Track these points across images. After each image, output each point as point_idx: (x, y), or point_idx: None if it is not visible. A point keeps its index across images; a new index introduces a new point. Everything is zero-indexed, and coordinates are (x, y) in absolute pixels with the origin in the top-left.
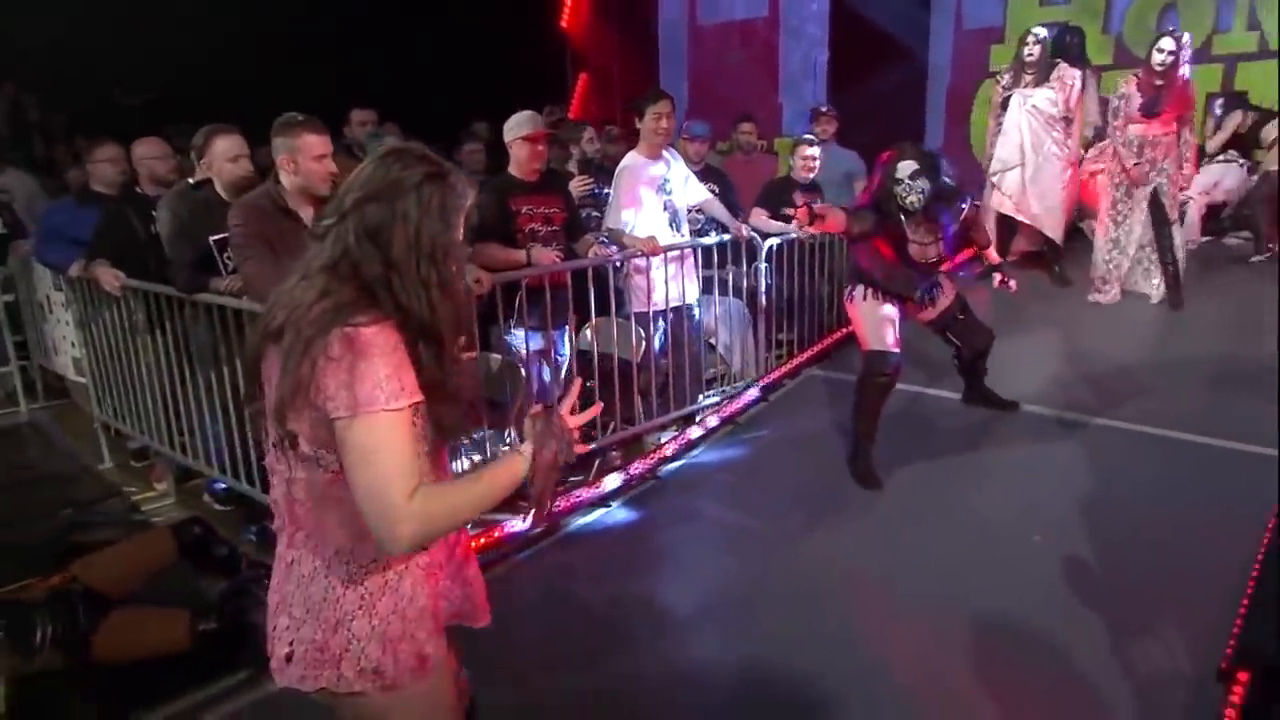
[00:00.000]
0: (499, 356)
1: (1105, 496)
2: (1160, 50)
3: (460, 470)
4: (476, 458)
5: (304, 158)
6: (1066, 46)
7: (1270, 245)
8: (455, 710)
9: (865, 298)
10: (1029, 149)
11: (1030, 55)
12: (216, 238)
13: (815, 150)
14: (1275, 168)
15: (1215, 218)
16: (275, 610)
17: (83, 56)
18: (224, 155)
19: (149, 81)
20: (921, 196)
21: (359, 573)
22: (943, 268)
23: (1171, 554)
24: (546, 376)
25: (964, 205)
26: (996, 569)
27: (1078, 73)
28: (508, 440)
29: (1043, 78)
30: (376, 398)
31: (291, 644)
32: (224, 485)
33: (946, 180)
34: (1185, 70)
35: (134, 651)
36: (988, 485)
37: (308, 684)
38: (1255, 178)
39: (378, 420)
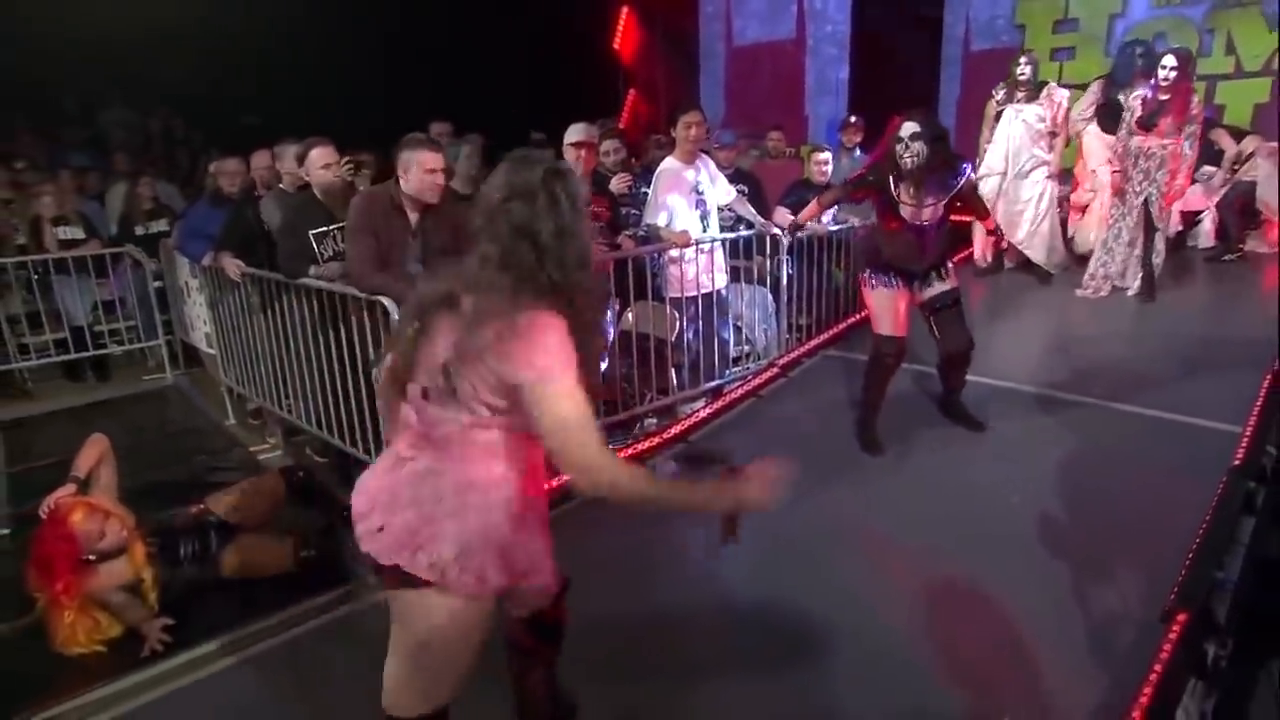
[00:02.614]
0: None
1: (1077, 464)
2: (1164, 67)
3: None
4: None
5: (416, 170)
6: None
7: (1240, 246)
8: (481, 645)
9: (875, 285)
10: (1010, 158)
11: (1023, 74)
12: (315, 231)
13: (827, 155)
14: (1247, 178)
15: (1191, 224)
16: (376, 493)
17: (216, 88)
18: (318, 163)
19: (266, 105)
20: (917, 159)
21: (467, 492)
22: (938, 229)
23: (1131, 514)
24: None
25: (960, 175)
26: (980, 526)
27: (1066, 92)
28: None
29: (1034, 95)
30: (554, 367)
31: (386, 523)
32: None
33: (944, 146)
34: (1190, 86)
35: (252, 570)
36: (977, 454)
37: (384, 557)
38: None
39: (561, 385)
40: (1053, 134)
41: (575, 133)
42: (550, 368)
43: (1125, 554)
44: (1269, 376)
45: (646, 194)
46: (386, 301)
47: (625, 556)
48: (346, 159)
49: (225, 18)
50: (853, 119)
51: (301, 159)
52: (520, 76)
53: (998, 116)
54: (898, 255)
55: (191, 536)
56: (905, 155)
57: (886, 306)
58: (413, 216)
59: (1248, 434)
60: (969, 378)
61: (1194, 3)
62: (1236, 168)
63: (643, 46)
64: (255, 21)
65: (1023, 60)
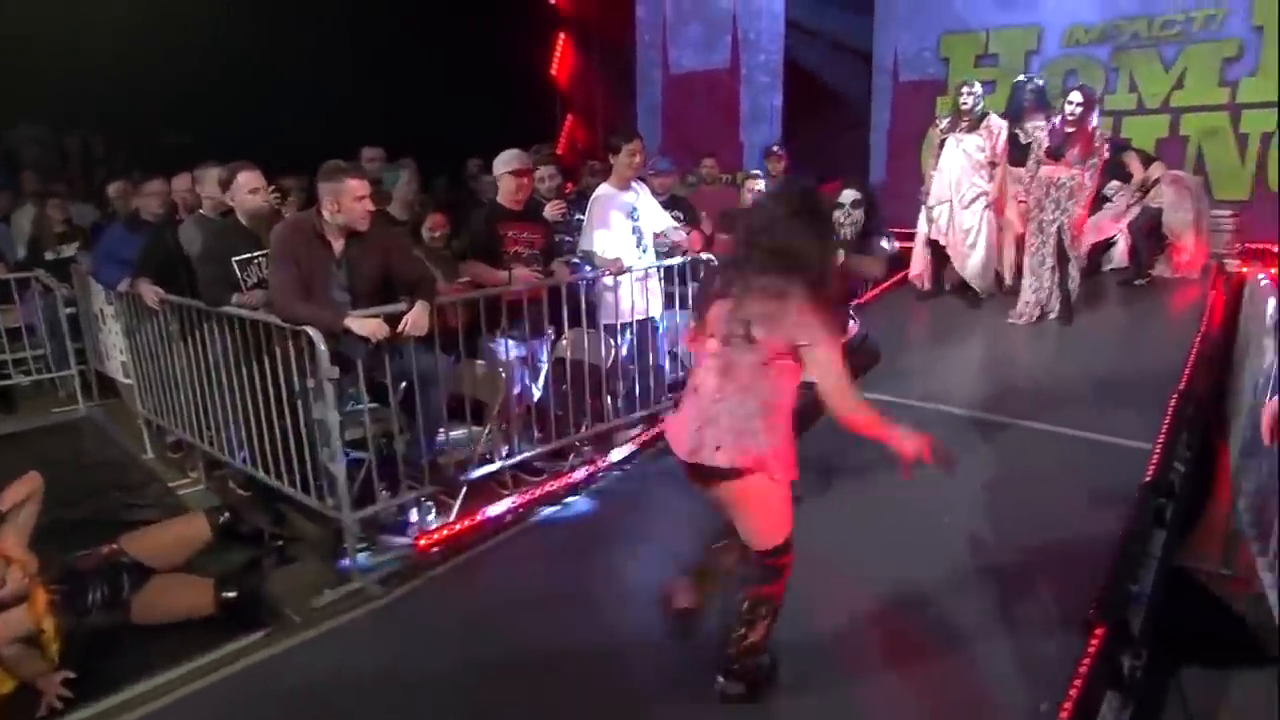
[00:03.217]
0: (483, 363)
1: (1005, 483)
2: (1071, 102)
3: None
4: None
5: (347, 199)
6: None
7: (1149, 271)
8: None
9: None
10: (952, 187)
11: (965, 104)
12: (239, 258)
13: (763, 183)
14: (1154, 205)
15: (1105, 248)
16: (701, 425)
17: (139, 105)
18: (245, 187)
19: (191, 125)
20: (855, 226)
21: (767, 412)
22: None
23: (1054, 530)
24: (527, 381)
25: (883, 247)
26: (913, 546)
27: (1004, 123)
28: (488, 437)
29: (975, 125)
30: (830, 337)
31: (720, 443)
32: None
33: (876, 221)
34: (1094, 120)
35: (168, 615)
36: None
37: (722, 460)
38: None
39: (833, 347)
40: (992, 164)
41: (511, 160)
42: (828, 337)
43: (1048, 569)
44: (1175, 396)
45: (581, 220)
46: (311, 332)
47: (561, 587)
48: (272, 187)
49: (151, 32)
50: (776, 148)
51: (226, 183)
52: (455, 101)
53: (941, 145)
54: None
55: (101, 580)
56: (845, 222)
57: None
58: (337, 245)
59: (1157, 451)
60: (901, 401)
61: (1100, 43)
62: (1140, 193)
63: (580, 73)
64: (182, 38)
65: (965, 91)
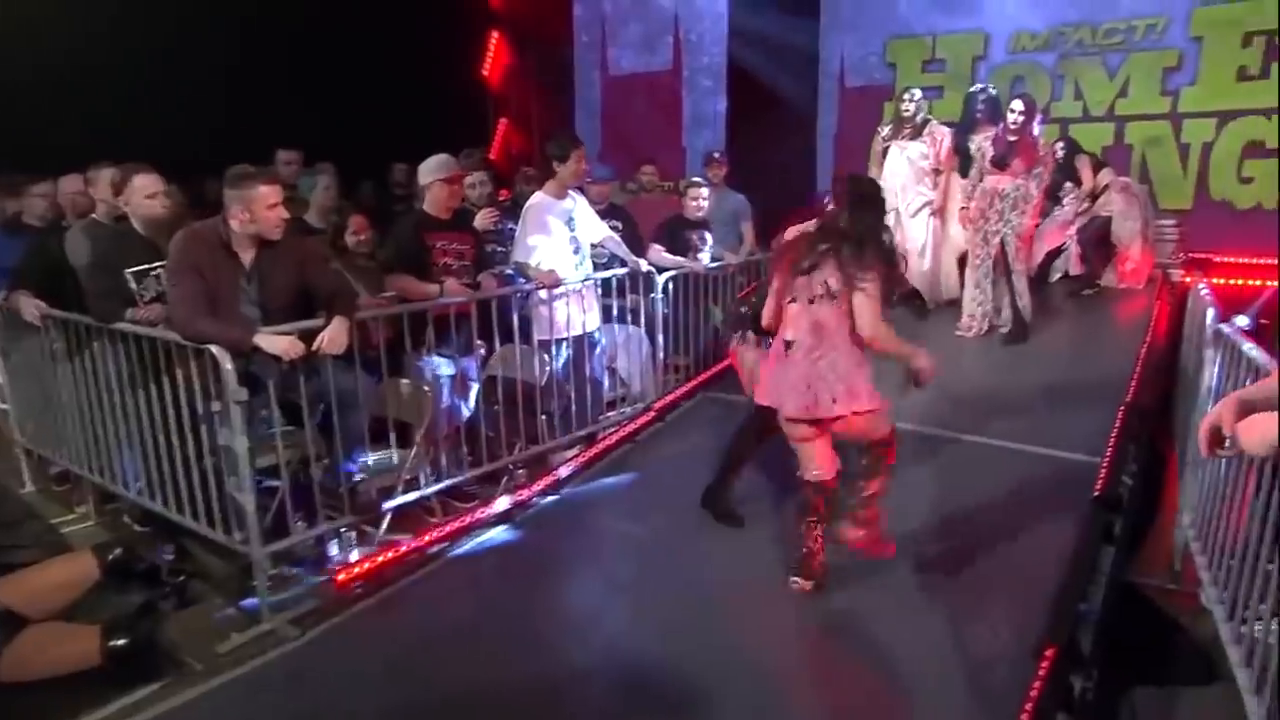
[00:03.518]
0: (408, 382)
1: (952, 501)
2: (1013, 110)
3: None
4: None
5: (259, 207)
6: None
7: (1097, 280)
8: None
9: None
10: (898, 195)
11: (907, 111)
12: (133, 269)
13: (705, 191)
14: (1103, 213)
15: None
16: (812, 382)
17: (20, 94)
18: (142, 192)
19: (81, 121)
20: None
21: (860, 356)
22: None
23: (1003, 548)
24: (456, 400)
25: None
26: (861, 569)
27: (948, 130)
28: (414, 461)
29: (918, 132)
30: (875, 283)
31: (835, 396)
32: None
33: None
34: (1036, 129)
35: (44, 669)
36: None
37: (841, 409)
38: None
39: (876, 290)
40: (936, 171)
41: (440, 166)
42: (875, 285)
43: (998, 589)
44: (1122, 408)
45: (514, 230)
46: (216, 350)
47: (493, 621)
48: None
49: (37, 16)
50: (716, 154)
51: (120, 187)
52: (380, 102)
53: (884, 154)
54: None
55: None
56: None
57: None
58: (246, 256)
59: (1105, 465)
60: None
61: (1046, 50)
62: (1089, 200)
63: (514, 73)
64: (74, 23)
65: (906, 98)
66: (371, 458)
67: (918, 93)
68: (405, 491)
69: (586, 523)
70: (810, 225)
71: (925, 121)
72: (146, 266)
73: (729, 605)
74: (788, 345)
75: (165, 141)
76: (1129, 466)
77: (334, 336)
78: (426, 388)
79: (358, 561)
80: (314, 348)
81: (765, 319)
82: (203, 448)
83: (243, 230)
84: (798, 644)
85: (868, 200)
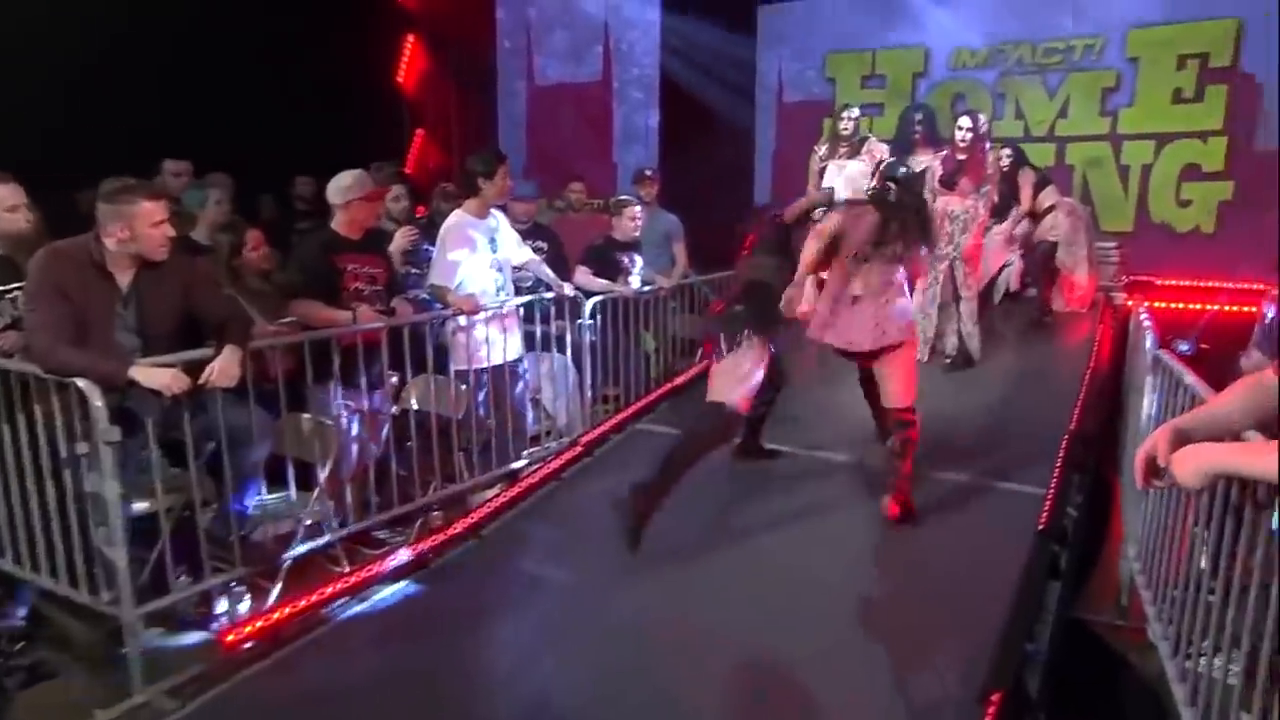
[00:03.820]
0: (310, 417)
1: (896, 538)
2: (960, 128)
3: None
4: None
5: (141, 224)
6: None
7: (1050, 307)
8: None
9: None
10: None
11: (846, 129)
12: None
13: (638, 209)
14: (1050, 237)
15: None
16: (880, 321)
17: None
18: (1, 205)
19: None
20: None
21: (905, 306)
22: None
23: (949, 586)
24: (364, 437)
25: None
26: (799, 612)
27: (885, 147)
28: (316, 504)
29: (856, 151)
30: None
31: (898, 328)
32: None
33: None
34: (986, 146)
35: None
36: (793, 532)
37: (894, 337)
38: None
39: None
40: None
41: (356, 185)
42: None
43: (943, 630)
44: (1066, 437)
45: (430, 251)
46: (83, 384)
47: (402, 681)
48: None
49: None
50: (648, 172)
51: None
52: (280, 108)
53: (821, 172)
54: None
55: None
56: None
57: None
58: (122, 278)
59: (1049, 496)
60: (785, 448)
61: (986, 67)
62: (1029, 217)
63: (432, 81)
64: None
65: (845, 115)
66: (268, 501)
67: (856, 110)
68: (306, 539)
69: (509, 569)
70: (868, 209)
71: (864, 139)
72: (3, 288)
73: (664, 649)
74: (855, 299)
75: (28, 147)
76: (1074, 497)
77: (225, 368)
78: (331, 423)
79: (249, 619)
80: (201, 381)
81: (830, 286)
82: (65, 495)
83: (120, 249)
84: (737, 689)
85: (915, 186)
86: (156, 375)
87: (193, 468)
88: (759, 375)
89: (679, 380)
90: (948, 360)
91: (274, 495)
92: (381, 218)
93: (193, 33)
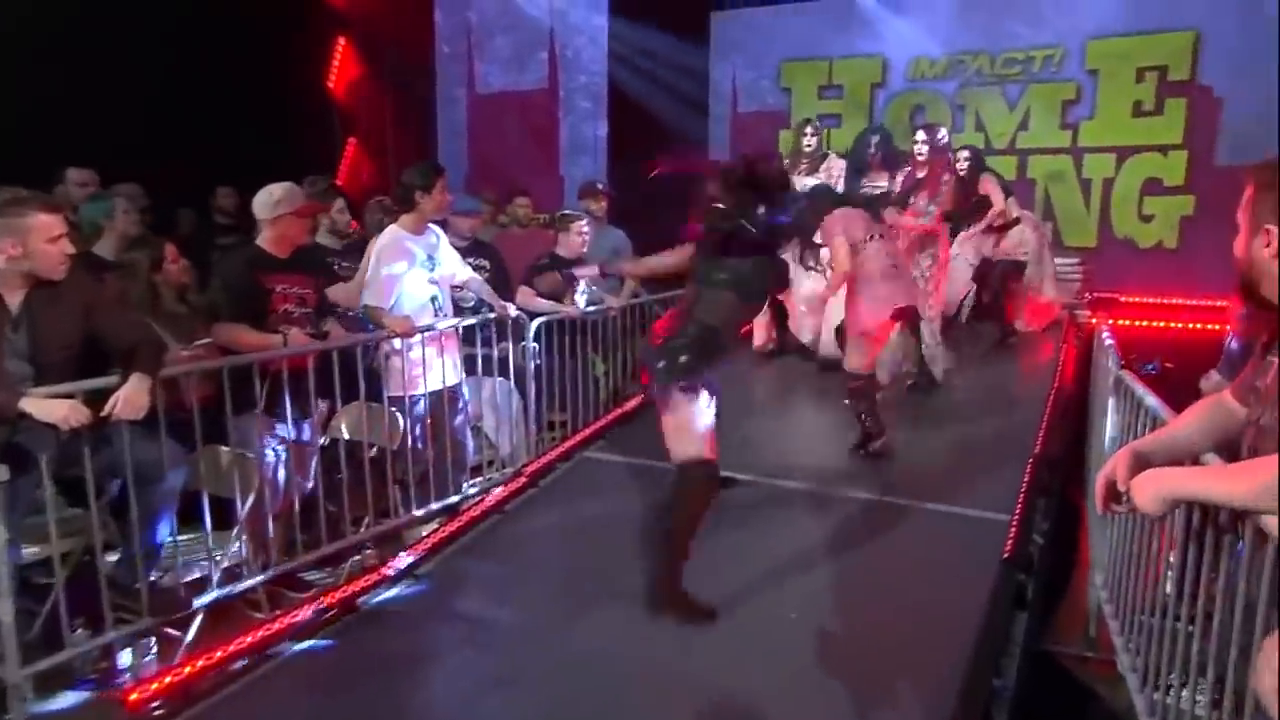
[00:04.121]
0: (229, 450)
1: (857, 569)
2: (915, 142)
3: None
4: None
5: (35, 240)
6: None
7: (1014, 327)
8: None
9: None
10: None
11: (809, 145)
12: None
13: (585, 224)
14: (1019, 255)
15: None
16: (900, 293)
17: None
18: None
19: None
20: None
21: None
22: None
23: (913, 620)
24: (290, 470)
25: None
26: (755, 647)
27: (843, 163)
28: (236, 545)
29: (815, 167)
30: None
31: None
32: None
33: None
34: (948, 161)
35: None
36: (752, 564)
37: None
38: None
39: None
40: None
41: (288, 197)
42: None
43: (906, 666)
44: (1031, 460)
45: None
46: None
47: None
48: None
49: None
50: (599, 185)
51: None
52: (199, 114)
53: None
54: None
55: None
56: None
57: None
58: (12, 299)
59: (1014, 523)
60: (740, 476)
61: (945, 78)
62: (1000, 223)
63: (365, 87)
64: None
65: (808, 130)
66: (181, 543)
67: (818, 124)
68: (223, 584)
69: (449, 610)
70: (857, 211)
71: (824, 155)
72: None
73: (618, 691)
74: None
75: None
76: (1040, 523)
77: (131, 398)
78: (252, 456)
79: (156, 675)
80: (105, 413)
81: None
82: None
83: (11, 267)
84: None
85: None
86: (51, 407)
87: (94, 508)
88: (712, 414)
89: (629, 405)
90: (910, 383)
91: (187, 536)
92: (314, 233)
93: (101, 28)
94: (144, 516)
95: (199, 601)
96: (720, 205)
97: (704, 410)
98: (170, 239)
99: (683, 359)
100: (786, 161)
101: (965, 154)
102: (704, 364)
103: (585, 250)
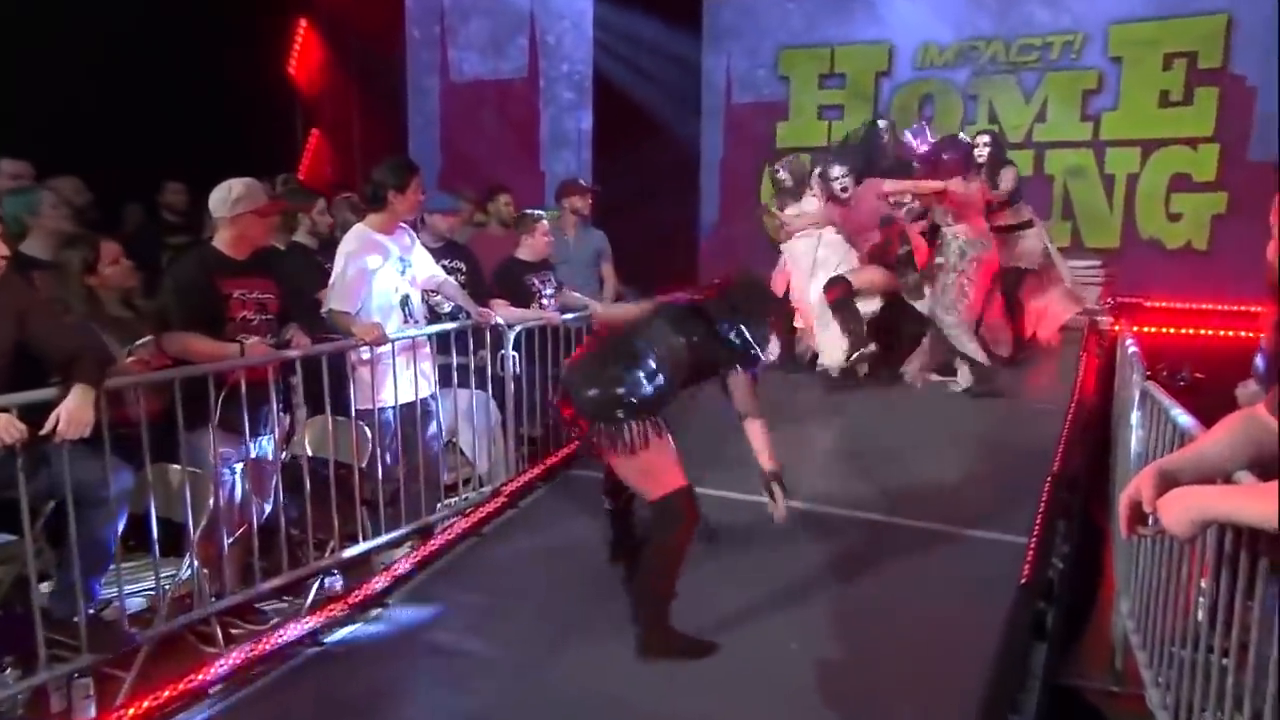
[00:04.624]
0: (179, 468)
1: (863, 597)
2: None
3: None
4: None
5: None
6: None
7: (1022, 338)
8: None
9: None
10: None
11: (785, 182)
12: None
13: (546, 223)
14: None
15: None
16: None
17: None
18: None
19: None
20: None
21: None
22: None
23: (923, 652)
24: (247, 490)
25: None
26: (754, 681)
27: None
28: (187, 573)
29: (799, 196)
30: None
31: None
32: None
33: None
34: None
35: None
36: (745, 590)
37: None
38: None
39: None
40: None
41: (245, 195)
42: None
43: (917, 700)
44: (1049, 479)
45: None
46: None
47: None
48: None
49: None
50: (581, 181)
51: None
52: (147, 103)
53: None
54: None
55: None
56: None
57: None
58: None
59: (1032, 546)
60: (739, 497)
61: (956, 66)
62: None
63: (329, 74)
64: None
65: (779, 169)
66: (126, 570)
67: (785, 161)
68: (172, 616)
69: (421, 644)
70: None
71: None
72: None
73: None
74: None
75: None
76: (1060, 547)
77: (75, 412)
78: (206, 474)
79: (97, 717)
80: (46, 430)
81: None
82: None
83: None
84: None
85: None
86: None
87: (28, 534)
88: (670, 445)
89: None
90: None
91: (133, 563)
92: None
93: (40, 7)
94: (85, 542)
95: (146, 634)
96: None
97: (664, 440)
98: (115, 237)
99: (629, 401)
100: (775, 202)
101: (985, 139)
102: (650, 410)
103: (548, 253)
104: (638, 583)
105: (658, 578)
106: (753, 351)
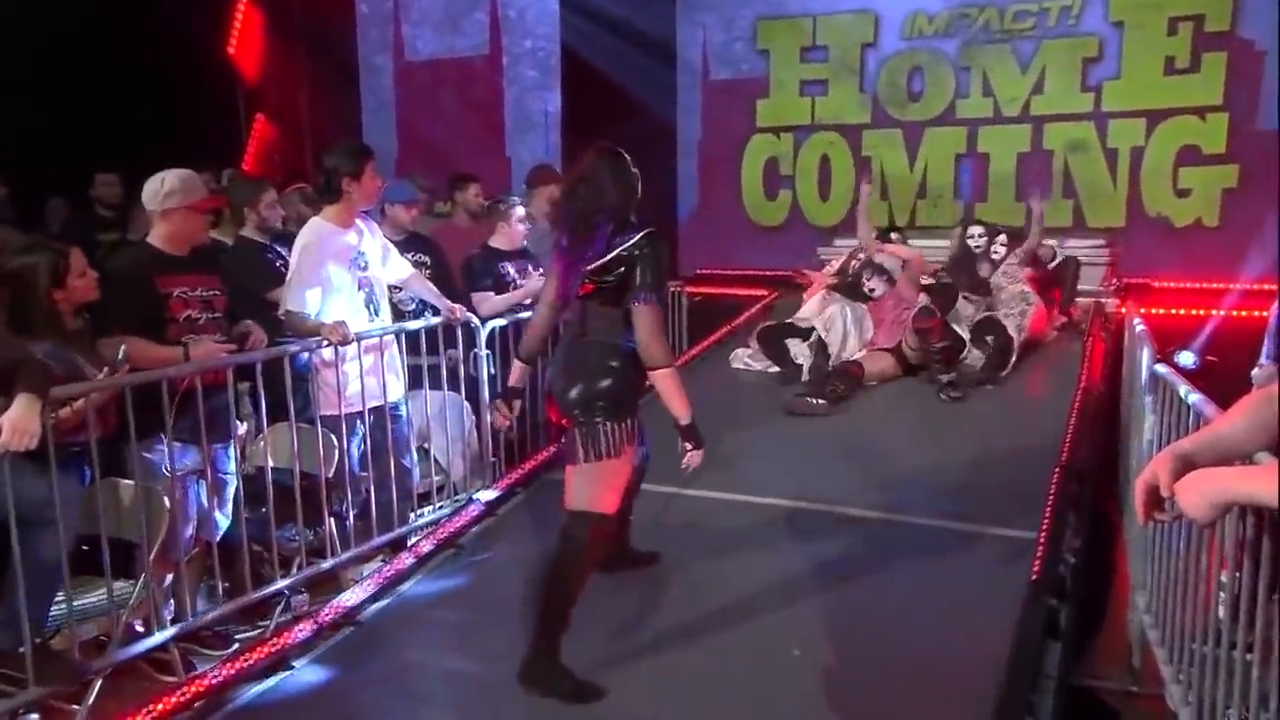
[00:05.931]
0: (131, 483)
1: (867, 598)
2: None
3: None
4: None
5: None
6: None
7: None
8: None
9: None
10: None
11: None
12: None
13: (522, 210)
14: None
15: None
16: None
17: None
18: None
19: None
20: None
21: None
22: None
23: (931, 653)
24: (204, 505)
25: None
26: (753, 688)
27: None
28: (141, 595)
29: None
30: None
31: None
32: None
33: None
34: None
35: None
36: (745, 595)
37: None
38: None
39: None
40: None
41: (180, 188)
42: None
43: (926, 703)
44: (1057, 470)
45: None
46: None
47: None
48: None
49: None
50: (555, 169)
51: None
52: (75, 88)
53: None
54: None
55: None
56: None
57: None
58: None
59: (1041, 541)
60: (730, 497)
61: (947, 35)
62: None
63: (274, 54)
64: None
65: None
66: (75, 598)
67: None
68: (127, 643)
69: (396, 662)
70: None
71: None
72: None
73: None
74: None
75: None
76: (1071, 541)
77: (19, 423)
78: (160, 489)
79: None
80: None
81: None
82: None
83: None
84: None
85: None
86: None
87: None
88: (630, 465)
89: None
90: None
91: (83, 588)
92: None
93: None
94: (29, 567)
95: (98, 664)
96: None
97: (631, 454)
98: (39, 235)
99: (613, 394)
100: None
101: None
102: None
103: (525, 242)
104: (539, 599)
105: (550, 600)
106: (649, 269)
